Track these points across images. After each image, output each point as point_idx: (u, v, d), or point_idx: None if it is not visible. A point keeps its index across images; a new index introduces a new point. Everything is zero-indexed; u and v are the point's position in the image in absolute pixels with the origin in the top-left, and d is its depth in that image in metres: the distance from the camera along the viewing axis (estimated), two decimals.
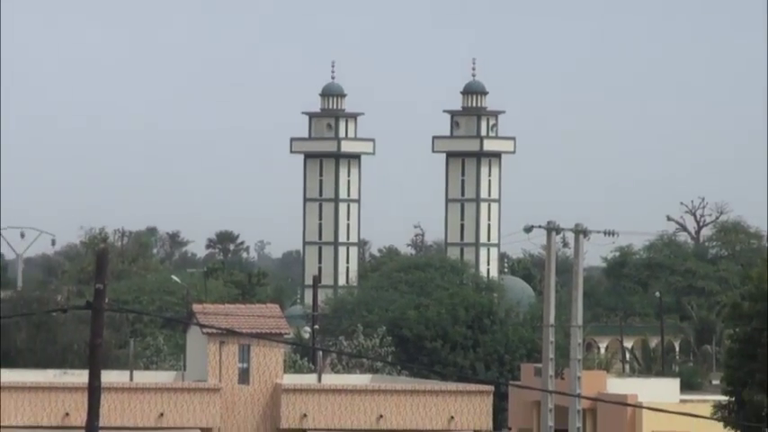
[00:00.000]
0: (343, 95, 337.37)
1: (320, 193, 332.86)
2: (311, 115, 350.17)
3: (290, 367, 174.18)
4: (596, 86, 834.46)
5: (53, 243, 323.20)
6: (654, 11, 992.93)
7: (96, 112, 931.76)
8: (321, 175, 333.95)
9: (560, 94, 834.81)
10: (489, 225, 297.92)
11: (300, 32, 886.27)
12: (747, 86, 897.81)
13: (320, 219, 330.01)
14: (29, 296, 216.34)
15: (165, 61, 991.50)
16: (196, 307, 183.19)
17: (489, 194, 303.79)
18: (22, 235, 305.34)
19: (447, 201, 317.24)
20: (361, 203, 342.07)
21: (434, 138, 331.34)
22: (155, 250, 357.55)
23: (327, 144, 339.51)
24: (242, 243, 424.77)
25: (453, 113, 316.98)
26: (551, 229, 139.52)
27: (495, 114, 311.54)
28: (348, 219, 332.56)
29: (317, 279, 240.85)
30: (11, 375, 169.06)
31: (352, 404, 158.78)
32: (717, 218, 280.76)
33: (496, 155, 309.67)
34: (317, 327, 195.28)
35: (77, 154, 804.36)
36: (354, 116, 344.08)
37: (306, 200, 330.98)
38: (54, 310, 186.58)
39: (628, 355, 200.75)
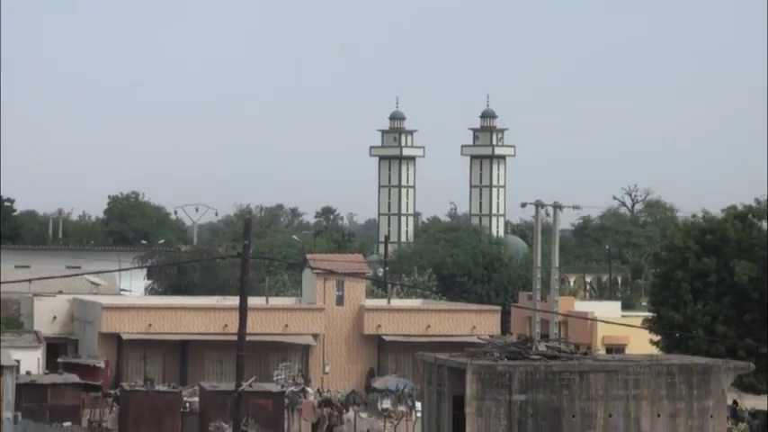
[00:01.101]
0: (403, 119, 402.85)
1: (389, 182, 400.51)
2: (383, 132, 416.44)
3: (370, 294, 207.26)
4: (573, 104, 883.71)
5: (216, 214, 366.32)
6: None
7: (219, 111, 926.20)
8: (389, 170, 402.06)
9: (546, 113, 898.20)
10: (498, 203, 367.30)
11: (379, 73, 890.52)
12: (680, 91, 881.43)
13: (389, 198, 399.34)
14: (201, 249, 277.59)
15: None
16: (309, 256, 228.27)
17: (498, 183, 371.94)
18: (196, 209, 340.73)
19: (471, 187, 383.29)
20: (416, 189, 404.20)
21: (462, 146, 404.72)
22: (281, 219, 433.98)
23: (393, 150, 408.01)
24: (338, 214, 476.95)
25: (474, 130, 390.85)
26: (538, 204, 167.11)
27: (502, 131, 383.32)
28: (407, 198, 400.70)
29: (387, 237, 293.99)
30: (190, 300, 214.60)
31: (409, 318, 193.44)
32: (645, 197, 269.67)
33: (502, 157, 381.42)
34: (387, 268, 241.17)
35: (226, 144, 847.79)
36: (411, 132, 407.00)
37: (380, 186, 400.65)
38: (217, 257, 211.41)
39: (587, 287, 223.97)
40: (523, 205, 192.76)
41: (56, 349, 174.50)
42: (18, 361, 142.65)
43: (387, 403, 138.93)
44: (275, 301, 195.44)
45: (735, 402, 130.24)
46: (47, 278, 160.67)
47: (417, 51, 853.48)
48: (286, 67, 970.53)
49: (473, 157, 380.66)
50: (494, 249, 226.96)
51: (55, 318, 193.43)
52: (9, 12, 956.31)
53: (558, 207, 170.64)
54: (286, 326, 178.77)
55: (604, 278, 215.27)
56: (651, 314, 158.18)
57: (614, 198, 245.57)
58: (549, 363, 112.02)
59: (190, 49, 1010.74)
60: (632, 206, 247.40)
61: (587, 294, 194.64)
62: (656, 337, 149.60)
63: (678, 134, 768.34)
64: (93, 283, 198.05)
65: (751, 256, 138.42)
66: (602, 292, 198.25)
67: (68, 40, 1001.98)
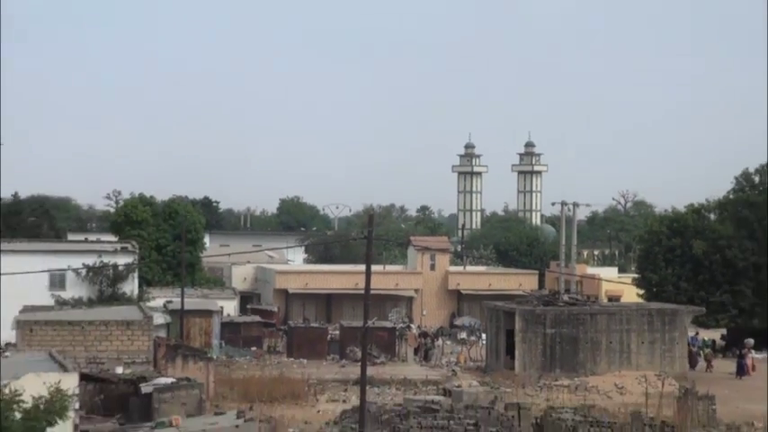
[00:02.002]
0: (473, 147, 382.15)
1: (464, 189, 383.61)
2: (461, 156, 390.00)
3: (452, 263, 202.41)
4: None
5: (350, 210, 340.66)
6: None
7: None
8: (465, 181, 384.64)
9: (568, 143, 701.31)
10: (536, 203, 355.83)
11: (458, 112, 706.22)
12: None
13: (465, 199, 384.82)
14: (340, 233, 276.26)
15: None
16: (412, 237, 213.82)
17: (536, 189, 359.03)
18: (337, 207, 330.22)
19: (518, 192, 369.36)
20: (482, 193, 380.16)
21: (512, 165, 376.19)
22: (393, 213, 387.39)
23: (467, 168, 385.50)
24: (431, 210, 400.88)
25: (521, 154, 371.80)
26: (563, 203, 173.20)
27: (539, 155, 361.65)
28: (477, 199, 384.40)
29: (463, 226, 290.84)
30: (333, 267, 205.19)
31: (478, 279, 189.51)
32: (633, 198, 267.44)
33: (539, 172, 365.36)
34: (463, 246, 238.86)
35: (358, 159, 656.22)
36: (479, 156, 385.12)
37: (458, 191, 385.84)
38: (350, 239, 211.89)
39: (595, 258, 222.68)
40: (553, 204, 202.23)
41: (246, 300, 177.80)
42: (222, 307, 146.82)
43: (463, 335, 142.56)
44: (390, 267, 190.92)
45: (697, 333, 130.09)
46: (240, 253, 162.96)
47: (484, 96, 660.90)
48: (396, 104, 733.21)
49: (519, 172, 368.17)
50: (533, 233, 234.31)
51: (245, 279, 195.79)
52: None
53: (576, 205, 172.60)
54: (396, 284, 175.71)
55: (606, 252, 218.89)
56: (637, 276, 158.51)
57: (613, 199, 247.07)
58: (570, 308, 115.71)
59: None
60: (625, 204, 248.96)
61: (595, 263, 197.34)
62: (641, 291, 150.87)
63: (657, 150, 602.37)
64: (269, 256, 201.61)
65: (703, 237, 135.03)
66: (604, 261, 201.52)
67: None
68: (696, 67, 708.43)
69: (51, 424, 38.38)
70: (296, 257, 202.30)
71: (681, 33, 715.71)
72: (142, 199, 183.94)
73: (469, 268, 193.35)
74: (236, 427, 63.11)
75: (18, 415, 37.52)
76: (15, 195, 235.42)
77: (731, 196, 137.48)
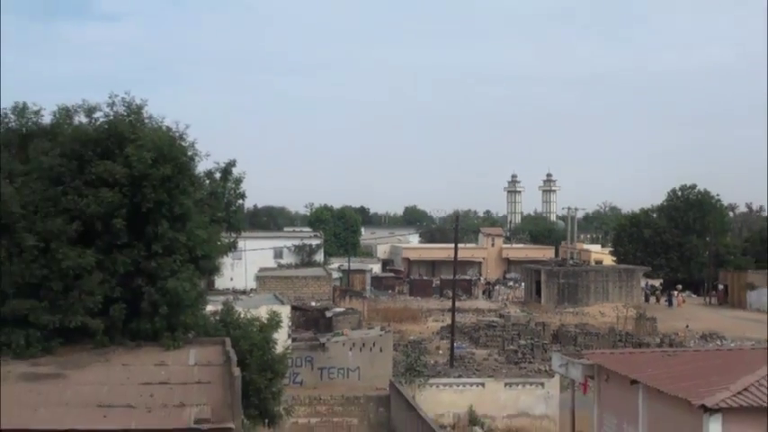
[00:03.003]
0: (516, 175, 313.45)
1: (511, 200, 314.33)
2: (509, 181, 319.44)
3: (504, 242, 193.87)
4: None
5: (445, 212, 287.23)
6: None
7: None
8: (511, 196, 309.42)
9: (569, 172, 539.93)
10: (552, 209, 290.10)
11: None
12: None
13: (511, 207, 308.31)
14: (438, 227, 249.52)
15: None
16: (481, 228, 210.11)
17: (553, 200, 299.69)
18: (437, 210, 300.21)
19: (542, 202, 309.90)
20: (522, 203, 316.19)
21: (538, 186, 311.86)
22: (470, 215, 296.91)
23: (512, 188, 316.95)
24: (492, 213, 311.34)
25: (543, 180, 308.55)
26: (569, 209, 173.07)
27: (554, 180, 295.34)
28: (518, 207, 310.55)
29: (510, 222, 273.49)
30: (436, 245, 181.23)
31: (519, 251, 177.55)
32: (609, 204, 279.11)
33: (554, 191, 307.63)
34: (509, 234, 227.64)
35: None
36: (520, 181, 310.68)
37: (507, 202, 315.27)
38: (446, 229, 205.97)
39: (588, 240, 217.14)
40: (563, 209, 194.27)
41: (385, 264, 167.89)
42: (371, 268, 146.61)
43: (511, 283, 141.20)
44: (468, 245, 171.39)
45: (647, 282, 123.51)
46: (381, 237, 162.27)
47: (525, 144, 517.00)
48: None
49: (543, 191, 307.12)
50: (551, 225, 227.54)
51: (385, 252, 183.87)
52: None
53: (575, 209, 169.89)
54: (472, 255, 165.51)
55: (594, 236, 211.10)
56: (612, 249, 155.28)
57: (597, 205, 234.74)
58: (572, 268, 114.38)
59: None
60: (604, 208, 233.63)
61: (587, 242, 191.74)
62: (614, 258, 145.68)
63: (626, 172, 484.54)
64: (398, 239, 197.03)
65: (649, 227, 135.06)
66: (592, 242, 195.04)
67: None
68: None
69: (274, 331, 39.04)
70: (413, 240, 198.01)
71: None
72: (326, 207, 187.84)
73: (514, 245, 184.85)
74: (380, 335, 63.59)
75: (256, 326, 38.20)
76: (255, 206, 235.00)
77: (665, 203, 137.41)
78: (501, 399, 51.13)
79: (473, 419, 49.78)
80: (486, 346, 75.38)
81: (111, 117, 35.79)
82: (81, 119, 36.25)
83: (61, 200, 33.46)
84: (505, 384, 52.39)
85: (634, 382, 36.70)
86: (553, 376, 50.90)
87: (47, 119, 36.80)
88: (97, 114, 36.17)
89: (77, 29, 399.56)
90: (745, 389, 31.13)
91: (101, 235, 33.74)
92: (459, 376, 55.48)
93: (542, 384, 51.75)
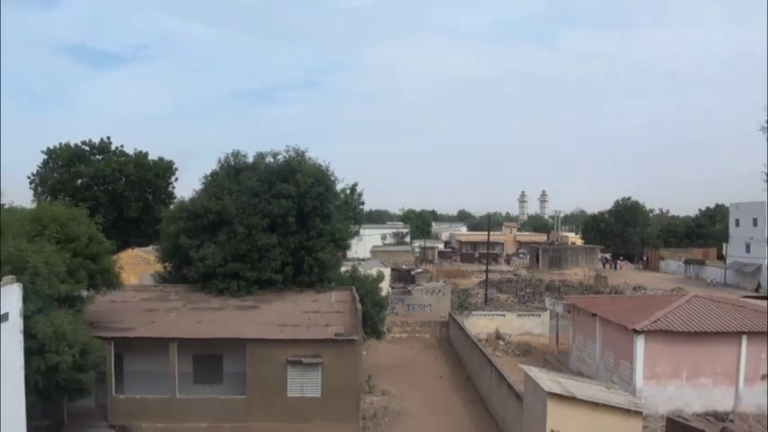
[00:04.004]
0: (546, 193, 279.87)
1: (521, 208, 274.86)
2: (520, 196, 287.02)
3: (517, 231, 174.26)
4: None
5: (481, 214, 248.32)
6: None
7: None
8: (522, 205, 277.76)
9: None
10: (546, 213, 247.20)
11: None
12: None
13: (521, 210, 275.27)
14: (479, 222, 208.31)
15: None
16: (505, 223, 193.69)
17: (548, 209, 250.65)
18: (476, 211, 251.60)
19: (540, 209, 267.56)
20: (528, 209, 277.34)
21: (537, 198, 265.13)
22: (498, 216, 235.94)
23: (522, 201, 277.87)
24: (510, 213, 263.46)
25: (541, 194, 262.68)
26: (556, 212, 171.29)
27: (546, 194, 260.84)
28: (526, 211, 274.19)
29: (518, 219, 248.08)
30: (476, 232, 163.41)
31: (527, 237, 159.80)
32: (579, 208, 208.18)
33: (546, 200, 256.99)
34: (520, 227, 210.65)
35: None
36: (526, 194, 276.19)
37: (519, 208, 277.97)
38: (481, 222, 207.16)
39: (567, 229, 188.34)
40: (552, 212, 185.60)
41: (446, 243, 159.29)
42: (436, 246, 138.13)
43: (521, 255, 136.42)
44: (496, 233, 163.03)
45: (602, 255, 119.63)
46: (439, 230, 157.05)
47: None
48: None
49: (540, 200, 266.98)
50: (544, 222, 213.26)
51: (447, 235, 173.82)
52: None
53: (559, 212, 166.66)
54: (498, 239, 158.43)
55: (571, 227, 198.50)
56: (582, 236, 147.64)
57: (572, 209, 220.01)
58: (557, 246, 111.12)
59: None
60: (579, 211, 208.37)
61: (567, 230, 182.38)
62: (582, 241, 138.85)
63: (594, 181, 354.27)
64: (458, 230, 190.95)
65: (604, 223, 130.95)
66: (570, 231, 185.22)
67: None
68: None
69: (380, 282, 39.29)
70: (463, 229, 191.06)
71: None
72: (411, 210, 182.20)
73: (523, 233, 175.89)
74: (443, 286, 63.43)
75: (370, 280, 38.48)
76: (369, 209, 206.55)
77: (612, 208, 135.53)
78: (514, 324, 51.07)
79: (498, 336, 49.77)
80: (506, 292, 74.95)
81: (287, 158, 36.59)
82: (270, 159, 37.09)
83: (258, 206, 34.66)
84: (517, 315, 52.34)
85: (594, 314, 37.24)
86: (546, 311, 50.88)
87: (250, 159, 37.46)
88: (279, 156, 37.08)
89: (269, 110, 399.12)
90: (658, 319, 31.73)
91: (280, 226, 34.82)
92: (490, 310, 55.35)
93: (539, 315, 51.79)
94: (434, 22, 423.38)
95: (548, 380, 22.34)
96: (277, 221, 34.48)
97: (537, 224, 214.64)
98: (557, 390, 20.52)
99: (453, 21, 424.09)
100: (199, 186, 37.63)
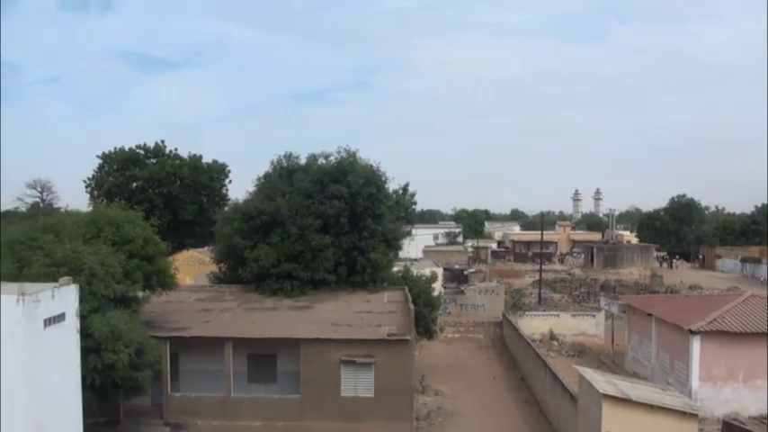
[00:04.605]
0: (579, 192, 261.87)
1: (575, 207, 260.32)
2: (573, 195, 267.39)
3: (571, 230, 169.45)
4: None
5: (535, 214, 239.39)
6: None
7: None
8: (576, 204, 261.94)
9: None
10: (600, 211, 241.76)
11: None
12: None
13: (575, 210, 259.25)
14: (532, 221, 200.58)
15: None
16: (558, 222, 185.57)
17: (602, 207, 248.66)
18: (530, 212, 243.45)
19: (594, 208, 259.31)
20: (581, 208, 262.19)
21: (591, 196, 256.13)
22: (551, 215, 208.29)
23: (576, 199, 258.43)
24: (563, 212, 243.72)
25: (595, 191, 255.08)
26: (611, 210, 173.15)
27: (601, 192, 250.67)
28: (580, 210, 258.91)
29: (572, 218, 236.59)
30: (528, 231, 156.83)
31: (580, 235, 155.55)
32: (634, 206, 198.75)
33: (601, 199, 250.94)
34: (574, 225, 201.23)
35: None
36: (580, 193, 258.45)
37: (573, 207, 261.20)
38: (536, 223, 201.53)
39: (622, 228, 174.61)
40: (607, 210, 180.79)
41: (499, 243, 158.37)
42: (490, 246, 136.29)
43: (575, 255, 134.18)
44: (549, 232, 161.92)
45: (658, 254, 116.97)
46: (494, 229, 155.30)
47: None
48: None
49: (594, 198, 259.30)
50: (599, 220, 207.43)
51: (500, 234, 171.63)
52: None
53: (614, 209, 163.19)
54: (552, 237, 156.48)
55: (627, 226, 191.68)
56: (637, 234, 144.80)
57: (627, 207, 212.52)
58: (612, 245, 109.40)
59: None
60: (632, 209, 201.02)
61: (622, 229, 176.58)
62: (638, 240, 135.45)
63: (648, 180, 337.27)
64: (511, 229, 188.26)
65: (660, 221, 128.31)
66: (625, 230, 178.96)
67: None
68: None
69: (433, 282, 39.01)
70: (516, 228, 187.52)
71: None
72: (463, 209, 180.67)
73: (577, 232, 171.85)
74: (496, 285, 62.86)
75: (423, 280, 38.24)
76: (421, 209, 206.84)
77: (668, 206, 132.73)
78: (569, 324, 50.41)
79: (552, 336, 49.13)
80: (560, 292, 74.05)
81: (339, 159, 36.52)
82: (321, 160, 37.04)
83: (311, 207, 34.64)
84: (571, 315, 51.69)
85: (649, 314, 36.61)
86: (601, 311, 50.05)
87: (302, 160, 37.51)
88: (330, 158, 37.02)
89: (320, 111, 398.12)
90: (714, 319, 30.99)
91: (333, 227, 34.78)
92: (544, 310, 54.72)
93: (594, 316, 51.05)
94: (481, 20, 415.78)
95: (602, 381, 22.07)
96: (329, 222, 34.51)
97: (591, 222, 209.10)
98: (612, 391, 20.30)
99: (500, 18, 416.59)
100: (252, 188, 37.94)
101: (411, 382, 28.26)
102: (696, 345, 30.15)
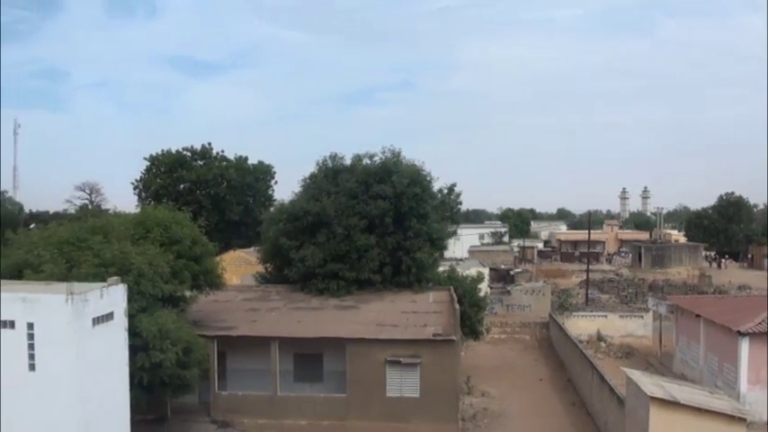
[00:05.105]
0: (627, 191, 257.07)
1: (623, 206, 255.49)
2: (620, 195, 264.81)
3: (619, 229, 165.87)
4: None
5: (581, 213, 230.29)
6: None
7: None
8: (623, 203, 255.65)
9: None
10: (648, 210, 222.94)
11: None
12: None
13: (623, 208, 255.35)
14: (579, 221, 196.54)
15: None
16: (606, 221, 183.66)
17: (651, 206, 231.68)
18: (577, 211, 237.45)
19: (642, 207, 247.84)
20: (629, 207, 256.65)
21: (639, 195, 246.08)
22: (600, 214, 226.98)
23: (624, 197, 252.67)
24: (611, 211, 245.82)
25: (643, 189, 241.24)
26: (658, 209, 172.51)
27: (649, 190, 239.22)
28: (627, 209, 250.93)
29: (620, 217, 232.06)
30: (575, 231, 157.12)
31: (628, 234, 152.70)
32: (683, 205, 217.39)
33: (648, 197, 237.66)
34: (622, 225, 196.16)
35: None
36: (627, 192, 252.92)
37: (620, 206, 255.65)
38: (584, 222, 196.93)
39: (670, 227, 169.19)
40: (655, 208, 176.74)
41: (545, 243, 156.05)
42: (536, 245, 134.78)
43: (623, 254, 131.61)
44: (596, 231, 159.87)
45: (706, 253, 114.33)
46: (539, 228, 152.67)
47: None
48: None
49: (642, 197, 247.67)
50: (647, 219, 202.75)
51: (547, 234, 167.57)
52: None
53: (662, 208, 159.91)
54: (599, 237, 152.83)
55: (674, 225, 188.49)
56: (685, 233, 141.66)
57: (675, 205, 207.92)
58: (660, 244, 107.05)
59: None
60: (680, 207, 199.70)
61: (668, 229, 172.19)
62: (686, 239, 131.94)
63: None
64: (557, 228, 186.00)
65: (708, 219, 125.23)
66: (673, 229, 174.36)
67: None
68: None
69: (479, 282, 38.70)
70: (563, 228, 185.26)
71: None
72: (509, 209, 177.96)
73: (624, 231, 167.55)
74: (542, 285, 62.27)
75: (468, 280, 38.00)
76: (467, 209, 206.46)
77: (716, 204, 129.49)
78: (616, 325, 49.65)
79: (600, 337, 48.39)
80: (607, 292, 72.95)
81: (383, 159, 36.51)
82: (366, 161, 37.03)
83: (356, 207, 34.62)
84: (619, 316, 50.93)
85: (697, 315, 35.86)
86: (648, 311, 49.19)
87: (347, 161, 37.54)
88: (375, 158, 37.07)
89: (365, 112, 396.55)
90: (763, 320, 30.10)
91: (378, 227, 34.75)
92: (591, 311, 53.95)
93: (642, 316, 50.24)
94: (526, 17, 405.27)
95: (650, 383, 21.73)
96: (374, 222, 34.47)
97: (639, 221, 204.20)
98: (659, 394, 20.00)
99: (545, 15, 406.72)
100: (298, 189, 38.09)
101: (457, 382, 28.08)
102: (745, 346, 29.37)
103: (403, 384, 27.52)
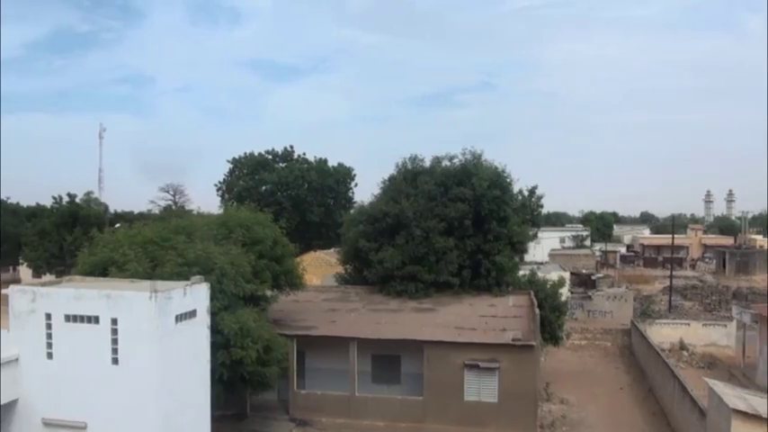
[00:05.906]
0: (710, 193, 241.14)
1: (707, 209, 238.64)
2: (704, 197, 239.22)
3: (703, 234, 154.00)
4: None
5: (664, 216, 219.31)
6: None
7: None
8: (708, 206, 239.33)
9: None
10: (733, 214, 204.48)
11: None
12: None
13: (708, 212, 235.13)
14: (663, 224, 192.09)
15: None
16: (690, 225, 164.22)
17: (735, 209, 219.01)
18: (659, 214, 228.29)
19: (726, 210, 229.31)
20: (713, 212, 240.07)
21: (724, 198, 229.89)
22: (683, 217, 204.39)
23: (708, 200, 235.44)
24: (695, 215, 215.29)
25: (728, 193, 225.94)
26: (743, 213, 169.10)
27: (734, 193, 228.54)
28: (711, 213, 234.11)
29: (704, 220, 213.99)
30: (658, 235, 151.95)
31: (712, 239, 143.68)
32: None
33: (733, 201, 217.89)
34: (705, 229, 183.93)
35: None
36: (712, 194, 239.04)
37: (704, 210, 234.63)
38: (667, 225, 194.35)
39: (755, 231, 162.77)
40: (740, 212, 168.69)
41: (628, 247, 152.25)
42: (618, 250, 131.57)
43: (707, 260, 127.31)
44: (680, 236, 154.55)
45: None
46: (623, 233, 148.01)
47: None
48: None
49: (726, 200, 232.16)
50: (732, 223, 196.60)
51: (630, 238, 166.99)
52: None
53: (747, 212, 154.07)
54: (683, 242, 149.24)
55: (759, 229, 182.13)
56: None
57: (762, 209, 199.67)
58: (745, 250, 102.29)
59: None
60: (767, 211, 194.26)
61: (754, 234, 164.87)
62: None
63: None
64: (640, 231, 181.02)
65: None
66: (758, 234, 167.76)
67: None
68: None
69: (560, 287, 37.94)
70: (646, 232, 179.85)
71: None
72: (591, 212, 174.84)
73: (709, 236, 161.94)
74: (625, 291, 60.75)
75: (549, 284, 37.29)
76: (548, 212, 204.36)
77: None
78: (699, 333, 48.00)
79: (682, 346, 46.83)
80: (691, 299, 70.70)
81: (463, 161, 36.23)
82: (446, 163, 36.80)
83: (435, 209, 34.39)
84: (702, 324, 49.22)
85: None
86: (732, 320, 47.34)
87: (427, 163, 37.35)
88: (455, 159, 36.87)
89: (445, 113, 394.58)
90: None
91: (457, 229, 34.47)
92: (674, 318, 52.38)
93: (725, 325, 48.47)
94: (606, 15, 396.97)
95: (733, 396, 20.99)
96: (453, 225, 34.15)
97: (723, 226, 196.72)
98: (742, 407, 19.33)
99: (626, 12, 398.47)
100: (377, 191, 38.12)
101: (536, 388, 27.50)
102: None
103: (481, 389, 27.07)
